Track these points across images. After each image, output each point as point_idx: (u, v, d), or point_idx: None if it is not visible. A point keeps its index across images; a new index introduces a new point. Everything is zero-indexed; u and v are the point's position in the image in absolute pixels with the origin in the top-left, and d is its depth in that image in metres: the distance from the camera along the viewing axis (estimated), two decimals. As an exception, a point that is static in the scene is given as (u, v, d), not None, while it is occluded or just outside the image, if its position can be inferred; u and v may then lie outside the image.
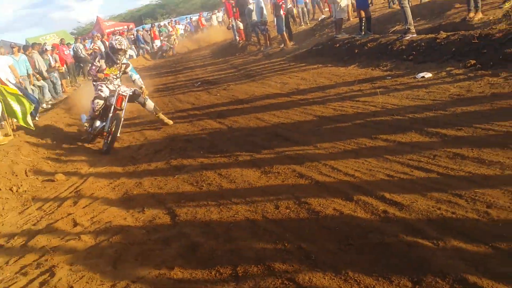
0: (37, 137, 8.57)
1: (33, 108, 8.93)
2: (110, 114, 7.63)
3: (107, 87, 7.94)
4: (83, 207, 5.10)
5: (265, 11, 15.97)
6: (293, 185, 4.45)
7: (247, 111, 8.06)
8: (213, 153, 6.07)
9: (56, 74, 16.26)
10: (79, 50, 20.91)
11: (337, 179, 4.31)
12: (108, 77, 7.95)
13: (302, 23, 19.89)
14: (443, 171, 3.94)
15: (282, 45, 15.65)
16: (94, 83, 8.07)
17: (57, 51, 18.47)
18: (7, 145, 7.78)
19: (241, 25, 19.84)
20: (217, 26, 33.04)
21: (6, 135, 8.50)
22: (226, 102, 9.31)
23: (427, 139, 4.75)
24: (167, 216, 4.42)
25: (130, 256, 3.75)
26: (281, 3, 15.04)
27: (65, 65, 18.85)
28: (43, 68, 14.92)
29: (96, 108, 7.80)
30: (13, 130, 8.96)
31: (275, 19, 15.45)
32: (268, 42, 16.64)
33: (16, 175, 6.51)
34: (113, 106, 7.65)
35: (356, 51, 10.59)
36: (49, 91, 15.12)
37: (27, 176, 6.57)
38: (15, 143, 7.97)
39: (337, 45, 11.73)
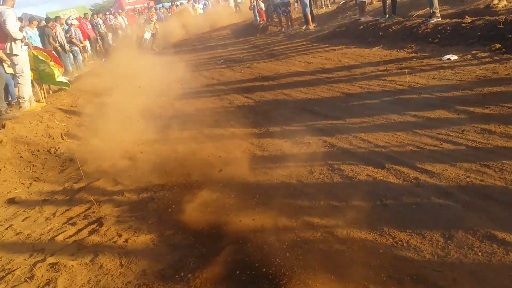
0: (69, 105, 8.85)
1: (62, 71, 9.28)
2: None
3: None
4: (123, 169, 5.36)
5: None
6: (325, 153, 4.68)
7: (273, 87, 8.26)
8: (244, 125, 6.29)
9: (77, 48, 16.57)
10: (99, 25, 21.18)
11: (368, 149, 4.53)
12: None
13: (323, 6, 19.92)
14: (472, 144, 4.14)
15: (304, 26, 15.74)
16: None
17: (80, 25, 18.76)
18: (41, 111, 8.06)
19: (262, 6, 19.93)
20: (232, 8, 32.66)
21: (38, 101, 8.78)
22: (251, 79, 9.51)
23: (455, 115, 4.94)
24: (201, 178, 4.65)
25: (175, 210, 4.01)
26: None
27: (87, 40, 19.14)
28: (64, 41, 15.25)
29: None
30: (44, 97, 9.26)
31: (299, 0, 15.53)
32: (290, 23, 16.74)
33: (53, 138, 6.81)
34: None
35: (381, 33, 10.70)
36: (70, 64, 15.49)
37: (63, 139, 6.86)
38: (49, 109, 8.27)
39: (361, 27, 11.83)
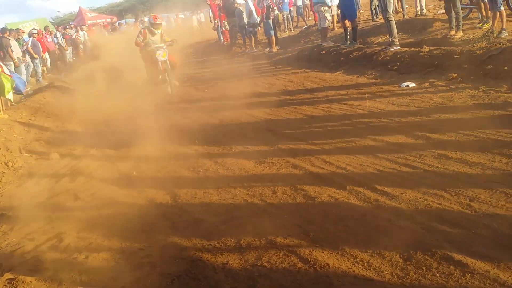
0: (27, 118, 8.65)
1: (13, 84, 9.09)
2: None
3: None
4: (83, 184, 5.28)
5: (254, 13, 16.28)
6: (288, 174, 4.75)
7: (237, 107, 8.31)
8: (207, 143, 6.31)
9: (37, 60, 16.22)
10: (59, 38, 20.88)
11: (330, 171, 4.63)
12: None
13: (286, 30, 20.30)
14: (429, 168, 4.29)
15: (268, 49, 15.98)
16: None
17: (40, 38, 18.41)
18: (-1, 123, 7.87)
19: (227, 26, 20.09)
20: (195, 26, 32.79)
21: (-4, 114, 8.57)
22: (216, 98, 9.56)
23: (413, 140, 5.12)
24: (167, 196, 4.65)
25: (135, 227, 3.97)
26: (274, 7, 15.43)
27: (47, 53, 18.78)
28: (18, 54, 14.87)
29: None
30: (2, 110, 9.03)
31: (263, 22, 15.77)
32: (254, 45, 16.96)
33: (11, 152, 6.64)
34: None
35: (342, 58, 10.99)
36: (27, 75, 15.13)
37: (21, 153, 6.69)
38: (7, 122, 8.05)
39: (323, 52, 12.12)
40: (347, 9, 12.01)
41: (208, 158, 5.65)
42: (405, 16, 14.18)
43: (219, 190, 4.57)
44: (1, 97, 8.93)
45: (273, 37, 15.79)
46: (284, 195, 4.22)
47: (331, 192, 4.12)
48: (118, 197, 4.73)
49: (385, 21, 10.59)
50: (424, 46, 9.28)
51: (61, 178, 5.61)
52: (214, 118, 7.74)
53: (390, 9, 10.24)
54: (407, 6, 15.12)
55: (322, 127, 6.23)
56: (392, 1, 10.40)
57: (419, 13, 13.58)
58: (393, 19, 10.29)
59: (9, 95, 9.00)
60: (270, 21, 15.48)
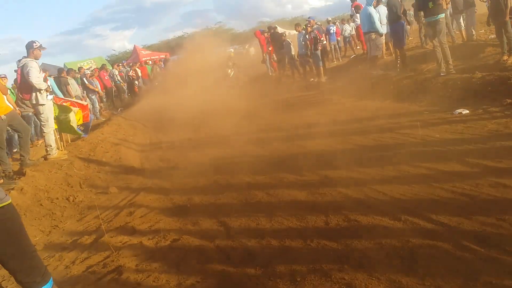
0: (87, 154, 9.04)
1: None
2: None
3: None
4: (140, 217, 5.46)
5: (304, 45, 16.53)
6: (341, 204, 4.74)
7: (287, 138, 8.41)
8: (259, 175, 6.39)
9: (94, 97, 17.00)
10: (115, 76, 21.78)
11: (384, 201, 4.59)
12: None
13: (334, 59, 20.42)
14: (487, 197, 4.19)
15: (316, 79, 16.10)
16: None
17: (98, 76, 19.34)
18: (60, 160, 8.25)
19: (275, 58, 20.40)
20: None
21: (58, 149, 9.00)
22: (266, 130, 9.68)
23: (468, 169, 5.01)
24: (221, 228, 4.73)
25: (192, 261, 4.06)
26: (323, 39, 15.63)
27: (104, 90, 19.65)
28: (77, 92, 15.63)
29: None
30: (63, 146, 9.49)
31: (311, 53, 15.95)
32: (304, 75, 17.20)
33: (72, 187, 6.95)
34: None
35: (392, 87, 10.93)
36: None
37: (81, 188, 6.99)
38: (68, 158, 8.45)
39: (373, 80, 12.10)
40: (395, 37, 12.01)
41: (260, 190, 5.71)
42: (456, 41, 13.98)
43: (272, 222, 4.62)
44: (62, 134, 9.41)
45: (321, 67, 15.90)
46: (337, 226, 4.22)
47: (385, 222, 4.08)
48: (173, 230, 4.85)
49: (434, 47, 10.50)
50: (476, 72, 9.11)
51: (120, 211, 5.81)
52: (265, 150, 7.84)
53: (443, 36, 10.18)
54: (457, 32, 14.92)
55: (373, 157, 6.19)
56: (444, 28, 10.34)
57: (469, 38, 13.36)
58: (446, 45, 10.22)
59: (78, 129, 9.52)
60: (318, 52, 15.64)
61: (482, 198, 4.19)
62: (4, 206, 2.85)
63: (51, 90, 8.60)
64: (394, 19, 11.93)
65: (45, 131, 8.30)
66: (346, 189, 5.15)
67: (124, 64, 25.23)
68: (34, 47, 8.07)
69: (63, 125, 9.14)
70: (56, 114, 8.99)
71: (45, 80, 8.27)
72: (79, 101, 10.14)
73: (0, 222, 2.84)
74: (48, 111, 8.31)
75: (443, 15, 10.13)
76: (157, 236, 4.74)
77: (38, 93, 8.11)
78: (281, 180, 5.99)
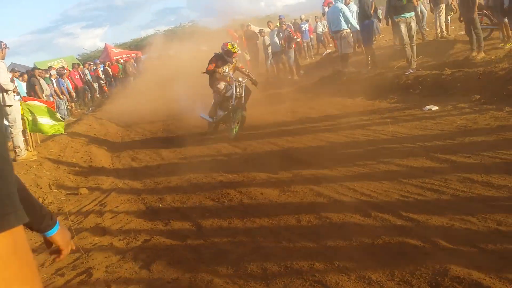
0: (57, 154, 8.87)
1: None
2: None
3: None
4: (110, 218, 5.37)
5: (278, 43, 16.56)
6: (312, 202, 4.75)
7: (260, 136, 8.41)
8: (231, 173, 6.37)
9: (61, 100, 16.61)
10: (86, 75, 21.48)
11: (355, 198, 4.62)
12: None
13: (307, 57, 20.53)
14: (455, 192, 4.25)
15: (289, 76, 16.15)
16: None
17: (69, 76, 19.03)
18: (29, 161, 8.07)
19: (248, 57, 20.37)
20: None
21: (27, 150, 8.80)
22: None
23: (437, 164, 5.09)
24: (193, 227, 4.69)
25: (163, 261, 4.01)
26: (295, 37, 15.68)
27: (75, 89, 19.33)
28: (47, 92, 15.30)
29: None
30: (32, 146, 9.29)
31: (285, 51, 15.99)
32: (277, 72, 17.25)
33: (41, 188, 6.80)
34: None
35: (363, 84, 11.01)
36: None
37: (51, 189, 6.85)
38: (37, 159, 8.28)
39: (344, 78, 12.19)
40: (365, 35, 12.14)
41: (232, 188, 5.69)
42: (426, 38, 14.20)
43: (244, 220, 4.60)
44: (31, 134, 9.20)
45: (295, 65, 15.96)
46: (309, 224, 4.23)
47: (356, 219, 4.11)
48: (145, 231, 4.79)
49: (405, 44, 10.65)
50: (446, 68, 9.26)
51: (90, 213, 5.71)
52: (237, 148, 7.82)
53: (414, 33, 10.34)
54: (427, 29, 15.17)
55: (345, 154, 6.23)
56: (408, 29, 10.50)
57: (439, 35, 13.59)
58: (409, 46, 10.40)
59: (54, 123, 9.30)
60: (292, 50, 15.70)
61: (451, 194, 4.25)
62: None
63: (17, 90, 8.40)
64: (365, 17, 12.04)
65: (13, 132, 8.10)
66: (317, 186, 5.16)
67: (97, 63, 24.76)
68: (3, 47, 7.87)
69: (33, 125, 8.94)
70: (25, 114, 8.80)
71: (12, 80, 8.08)
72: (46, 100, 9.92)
73: None
74: (16, 112, 8.12)
75: (413, 13, 10.28)
76: (128, 236, 4.67)
77: (5, 93, 7.91)
78: (253, 178, 5.98)
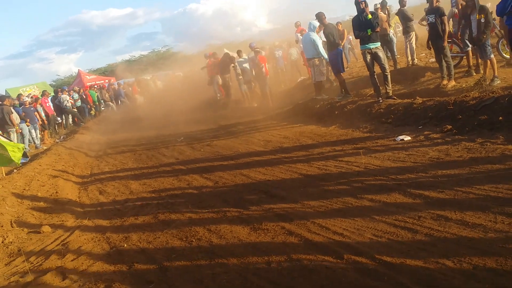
0: (21, 188, 8.51)
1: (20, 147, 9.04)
2: None
3: None
4: (71, 260, 5.08)
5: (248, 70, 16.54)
6: (283, 242, 4.56)
7: (232, 167, 8.22)
8: (201, 208, 6.16)
9: (30, 128, 16.16)
10: (65, 101, 21.08)
11: (327, 237, 4.44)
12: None
13: (281, 84, 20.52)
14: (429, 231, 4.12)
15: (263, 103, 16.10)
16: None
17: (40, 103, 18.66)
18: (-10, 196, 7.72)
19: (220, 81, 20.24)
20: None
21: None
22: (211, 158, 9.47)
23: (410, 200, 4.97)
24: (157, 271, 4.44)
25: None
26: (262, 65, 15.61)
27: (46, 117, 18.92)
28: (17, 120, 14.88)
29: None
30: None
31: (258, 77, 15.96)
32: (251, 99, 17.17)
33: (2, 226, 6.46)
34: None
35: (336, 112, 10.99)
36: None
37: (12, 227, 6.51)
38: (0, 193, 7.92)
39: (318, 106, 12.15)
40: (333, 64, 12.19)
41: (202, 226, 5.46)
42: (397, 66, 14.33)
43: (212, 264, 4.38)
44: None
45: (268, 92, 15.93)
46: (279, 267, 4.03)
47: (328, 262, 3.92)
48: (107, 275, 4.52)
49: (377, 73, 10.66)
50: (417, 97, 9.28)
51: (51, 254, 5.40)
52: (209, 181, 7.61)
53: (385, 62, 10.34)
54: (398, 56, 15.33)
55: (317, 187, 6.08)
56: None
57: (410, 63, 13.73)
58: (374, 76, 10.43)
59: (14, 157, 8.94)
60: (265, 77, 15.68)
61: (425, 233, 4.11)
62: None
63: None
64: (332, 46, 12.07)
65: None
66: (289, 223, 4.99)
67: (70, 90, 24.34)
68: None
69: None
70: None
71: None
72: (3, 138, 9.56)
73: None
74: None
75: (379, 44, 10.31)
76: (87, 282, 4.39)
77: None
78: (224, 214, 5.77)
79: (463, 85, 10.02)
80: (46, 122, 18.62)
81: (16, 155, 8.90)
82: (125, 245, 5.32)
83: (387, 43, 14.59)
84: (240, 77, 17.55)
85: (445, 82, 10.43)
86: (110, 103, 27.01)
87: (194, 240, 5.10)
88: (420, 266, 3.57)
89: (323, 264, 3.91)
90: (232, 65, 17.85)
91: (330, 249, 4.18)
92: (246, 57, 16.85)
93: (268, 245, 4.57)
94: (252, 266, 4.16)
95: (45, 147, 15.71)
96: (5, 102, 14.59)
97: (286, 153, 8.48)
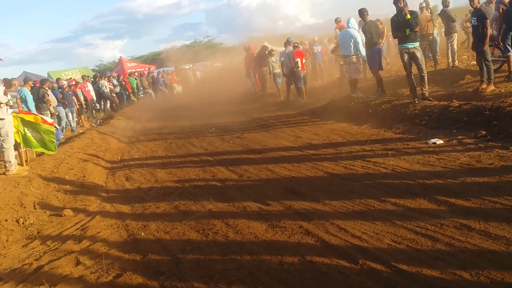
0: (50, 170, 8.68)
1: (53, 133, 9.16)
2: None
3: None
4: (88, 246, 5.12)
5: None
6: (299, 242, 4.46)
7: (258, 161, 8.16)
8: (222, 201, 6.12)
9: (68, 110, 16.55)
10: (103, 87, 21.44)
11: (344, 240, 4.32)
12: None
13: (319, 79, 20.29)
14: (450, 241, 3.95)
15: (298, 99, 15.95)
16: None
17: (79, 88, 19.04)
18: (19, 177, 7.88)
19: (257, 75, 20.21)
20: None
21: (20, 165, 8.63)
22: (239, 151, 9.44)
23: (435, 206, 4.78)
24: (171, 263, 4.42)
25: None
26: (297, 59, 15.44)
27: (84, 101, 19.28)
28: (55, 103, 15.23)
29: None
30: (26, 161, 9.12)
31: (294, 72, 15.79)
32: (288, 94, 17.05)
33: (25, 207, 6.57)
34: None
35: (370, 111, 10.76)
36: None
37: (35, 209, 6.62)
38: (27, 174, 8.09)
39: (352, 103, 11.93)
40: (371, 62, 11.89)
41: (220, 219, 5.42)
42: (437, 67, 13.94)
43: (225, 260, 4.32)
44: (27, 149, 9.06)
45: (303, 88, 15.76)
46: (291, 268, 3.94)
47: (341, 267, 3.81)
48: (120, 263, 4.53)
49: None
50: (454, 100, 8.97)
51: (69, 238, 5.47)
52: (234, 173, 7.57)
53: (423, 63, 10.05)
54: (439, 56, 14.90)
55: (341, 187, 5.95)
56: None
57: (450, 64, 13.33)
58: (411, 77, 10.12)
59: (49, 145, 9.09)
60: (300, 72, 15.51)
61: (445, 242, 3.94)
62: None
63: (10, 104, 8.26)
64: (370, 44, 11.79)
65: (4, 146, 7.95)
66: (308, 223, 4.88)
67: (110, 76, 24.65)
68: (-2, 59, 7.80)
69: (27, 140, 8.79)
70: (19, 128, 8.66)
71: (5, 93, 7.94)
72: (45, 118, 9.74)
73: None
74: (8, 125, 7.97)
75: (417, 43, 10.01)
76: (100, 269, 4.41)
77: (-3, 106, 7.79)
78: (244, 208, 5.72)
79: (502, 90, 9.63)
80: (84, 106, 18.98)
81: (52, 145, 9.06)
82: (143, 234, 5.33)
83: (430, 43, 14.22)
84: (276, 71, 17.46)
85: (484, 86, 10.06)
86: (149, 90, 27.32)
87: (210, 233, 5.06)
88: (436, 276, 3.41)
89: (337, 268, 3.80)
90: (270, 57, 17.76)
91: (346, 252, 4.06)
92: (285, 51, 16.64)
93: (283, 244, 4.48)
94: (264, 264, 4.09)
95: (81, 131, 16.00)
96: (44, 86, 14.93)
97: (314, 150, 8.36)
